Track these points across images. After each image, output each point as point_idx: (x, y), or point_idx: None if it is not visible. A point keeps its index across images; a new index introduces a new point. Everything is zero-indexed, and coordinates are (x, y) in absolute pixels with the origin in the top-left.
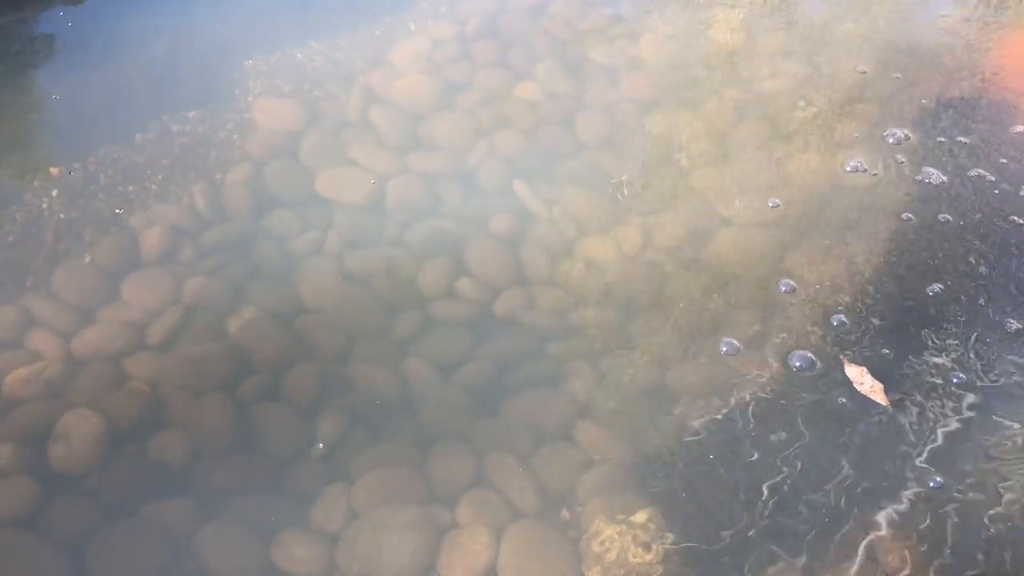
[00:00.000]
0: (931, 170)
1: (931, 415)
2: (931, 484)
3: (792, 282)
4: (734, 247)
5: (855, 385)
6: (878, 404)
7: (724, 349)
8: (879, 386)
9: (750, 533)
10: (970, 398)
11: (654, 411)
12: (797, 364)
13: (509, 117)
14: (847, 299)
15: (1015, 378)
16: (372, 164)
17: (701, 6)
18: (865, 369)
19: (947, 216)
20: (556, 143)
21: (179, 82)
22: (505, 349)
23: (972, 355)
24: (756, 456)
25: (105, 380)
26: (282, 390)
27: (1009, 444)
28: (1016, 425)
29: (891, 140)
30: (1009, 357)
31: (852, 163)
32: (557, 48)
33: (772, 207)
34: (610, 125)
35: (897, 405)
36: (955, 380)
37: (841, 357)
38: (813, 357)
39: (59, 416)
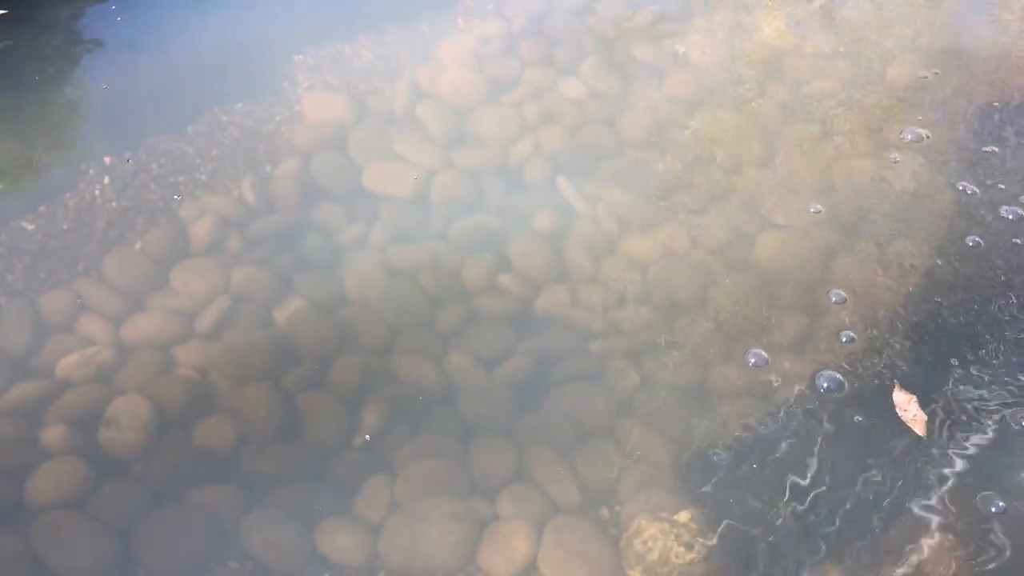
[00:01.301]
0: (976, 176)
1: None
2: (979, 499)
3: (840, 291)
4: (779, 250)
5: (898, 410)
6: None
7: (752, 360)
8: (922, 417)
9: (791, 534)
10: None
11: (695, 411)
12: (825, 385)
13: (554, 114)
14: (888, 312)
15: None
16: (418, 159)
17: (747, 6)
18: (915, 398)
19: (991, 228)
20: (600, 141)
21: (229, 75)
22: (547, 345)
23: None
24: (797, 458)
25: (154, 366)
26: (327, 380)
27: None
28: None
29: (938, 144)
30: None
31: (900, 166)
32: (602, 47)
33: (815, 212)
34: (654, 124)
35: (931, 419)
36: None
37: (895, 381)
38: (841, 378)
39: (110, 401)
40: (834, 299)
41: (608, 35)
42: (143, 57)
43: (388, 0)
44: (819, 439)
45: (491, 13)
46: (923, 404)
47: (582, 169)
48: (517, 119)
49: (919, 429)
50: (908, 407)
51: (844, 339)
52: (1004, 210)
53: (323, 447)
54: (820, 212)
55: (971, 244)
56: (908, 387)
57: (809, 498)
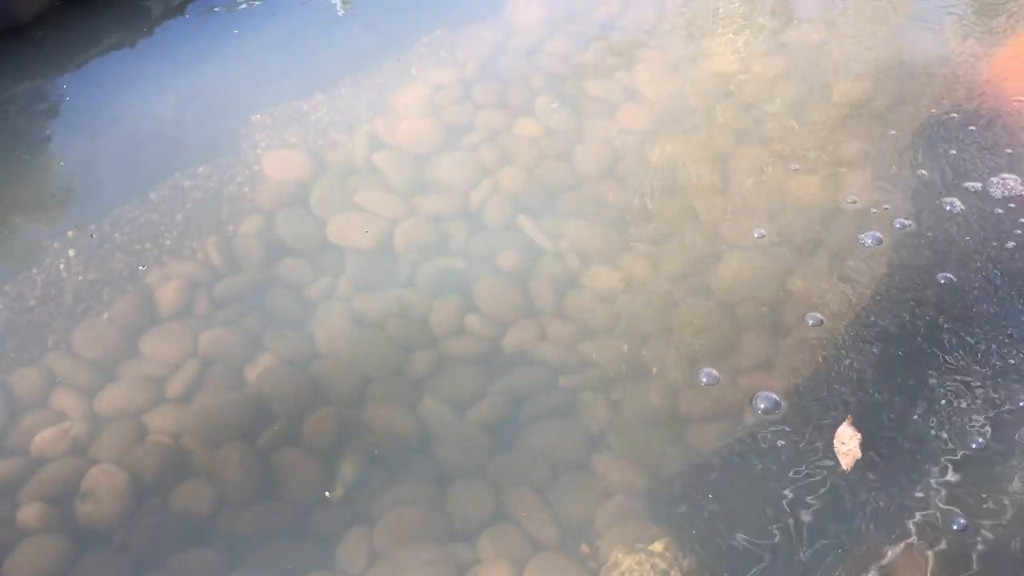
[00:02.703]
0: (931, 186)
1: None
2: (952, 524)
3: (804, 309)
4: (739, 272)
5: (836, 441)
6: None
7: (704, 380)
8: (855, 455)
9: (766, 558)
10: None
11: (667, 438)
12: (761, 407)
13: (511, 154)
14: (849, 328)
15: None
16: (380, 208)
17: (694, 34)
18: (859, 437)
19: (942, 239)
20: (558, 177)
21: (188, 140)
22: (518, 384)
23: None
24: (769, 481)
25: (128, 435)
26: (301, 436)
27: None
28: None
29: (888, 159)
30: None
31: (848, 183)
32: (555, 84)
33: (763, 234)
34: (610, 157)
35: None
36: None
37: (848, 415)
38: (777, 398)
39: (85, 473)
40: (797, 318)
41: (559, 72)
42: (101, 129)
43: (341, 54)
44: (790, 460)
45: (443, 59)
46: (865, 443)
47: (542, 206)
48: (475, 162)
49: (845, 463)
50: (847, 441)
51: (807, 357)
52: (947, 205)
53: (301, 503)
54: (773, 233)
55: (919, 254)
56: (859, 424)
57: (781, 521)
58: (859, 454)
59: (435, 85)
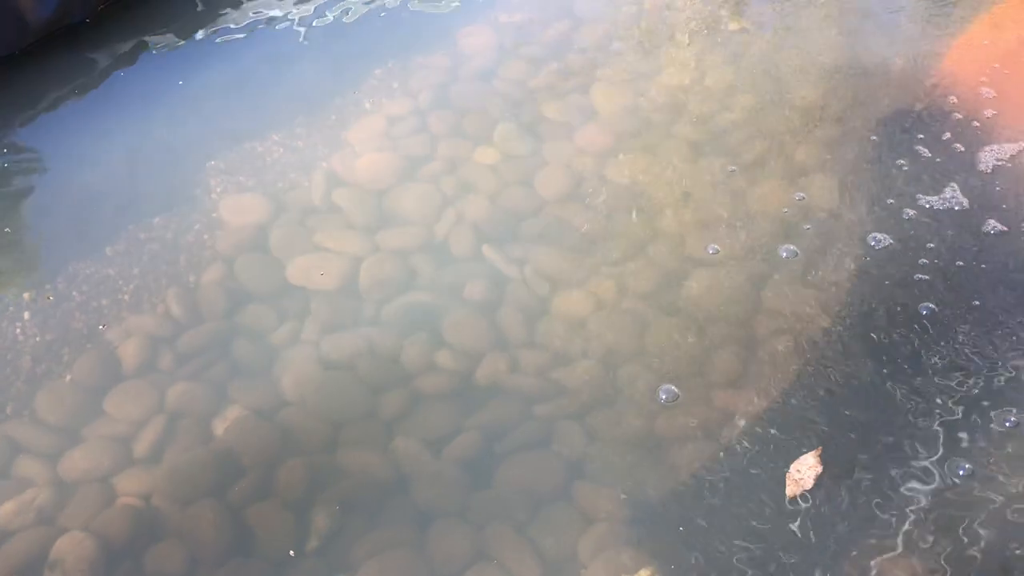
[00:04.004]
0: (892, 189)
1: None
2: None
3: (771, 322)
4: (708, 288)
5: (793, 465)
6: None
7: (663, 397)
8: (804, 487)
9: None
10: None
11: (646, 462)
12: (663, 397)
13: (471, 183)
14: (819, 339)
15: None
16: (342, 247)
17: (647, 49)
18: (820, 471)
19: (908, 243)
20: (520, 203)
21: (142, 192)
22: (492, 417)
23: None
24: (751, 499)
25: (96, 500)
26: (273, 487)
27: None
28: None
29: (846, 166)
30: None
31: (810, 189)
32: (510, 109)
33: (739, 240)
34: (571, 179)
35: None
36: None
37: (819, 446)
38: (676, 390)
39: (53, 543)
40: (768, 332)
41: (514, 97)
42: (52, 186)
43: (293, 93)
44: (769, 477)
45: (396, 91)
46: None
47: (506, 234)
48: (436, 193)
49: (791, 491)
50: (803, 470)
51: (778, 370)
52: (908, 214)
53: (276, 557)
54: (740, 243)
55: (883, 262)
56: (827, 456)
57: (765, 540)
58: (809, 485)
59: (390, 117)
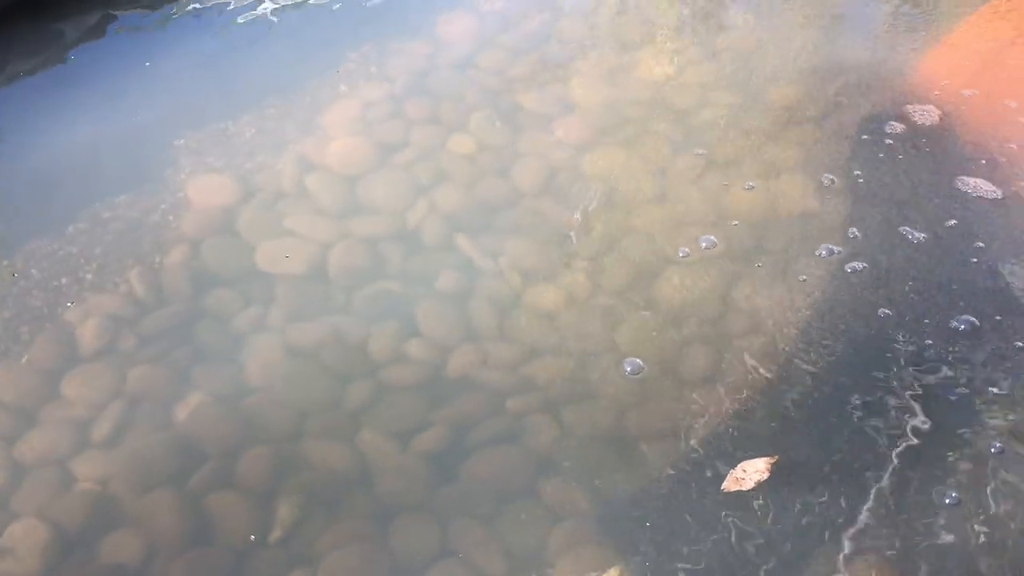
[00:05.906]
0: (868, 191)
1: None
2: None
3: (743, 320)
4: (681, 285)
5: (740, 465)
6: None
7: (628, 368)
8: (743, 484)
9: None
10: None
11: (616, 459)
12: (627, 369)
13: (446, 172)
14: (792, 337)
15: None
16: (311, 232)
17: (627, 44)
18: (766, 476)
19: (884, 246)
20: (495, 194)
21: (107, 169)
22: (462, 410)
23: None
24: (722, 499)
25: (52, 484)
26: (235, 476)
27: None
28: None
29: (826, 164)
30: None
31: (786, 188)
32: (488, 99)
33: (709, 243)
34: (547, 171)
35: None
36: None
37: (776, 455)
38: (642, 363)
39: (4, 529)
40: (741, 330)
41: (492, 87)
42: (14, 161)
43: (267, 72)
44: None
45: (373, 76)
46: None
47: (480, 225)
48: (410, 181)
49: (727, 485)
50: (748, 472)
51: (749, 369)
52: (883, 215)
53: (237, 548)
54: (714, 242)
55: (858, 268)
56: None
57: (734, 538)
58: (747, 487)
59: (365, 102)
